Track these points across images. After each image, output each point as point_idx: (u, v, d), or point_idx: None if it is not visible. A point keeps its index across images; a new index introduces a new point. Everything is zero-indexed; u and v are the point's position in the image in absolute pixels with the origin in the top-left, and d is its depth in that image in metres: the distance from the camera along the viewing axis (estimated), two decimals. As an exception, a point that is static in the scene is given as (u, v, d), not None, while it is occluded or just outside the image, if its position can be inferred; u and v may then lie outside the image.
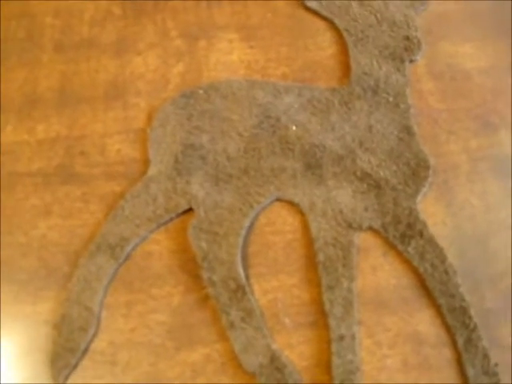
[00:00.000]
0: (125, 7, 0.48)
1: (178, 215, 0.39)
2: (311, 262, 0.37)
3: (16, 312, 0.36)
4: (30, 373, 0.34)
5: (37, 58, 0.45)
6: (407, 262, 0.37)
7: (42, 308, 0.36)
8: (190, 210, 0.39)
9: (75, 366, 0.34)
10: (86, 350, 0.35)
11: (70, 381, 0.34)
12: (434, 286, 0.36)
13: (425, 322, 0.36)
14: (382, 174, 0.39)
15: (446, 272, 0.36)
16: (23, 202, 0.40)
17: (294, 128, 0.41)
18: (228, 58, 0.45)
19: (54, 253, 0.38)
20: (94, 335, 0.35)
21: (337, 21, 0.46)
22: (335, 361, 0.34)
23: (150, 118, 0.42)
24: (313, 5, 0.47)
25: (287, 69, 0.44)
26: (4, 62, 0.45)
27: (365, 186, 0.39)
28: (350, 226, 0.38)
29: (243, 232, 0.38)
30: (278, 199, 0.39)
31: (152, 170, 0.40)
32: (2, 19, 0.47)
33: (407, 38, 0.44)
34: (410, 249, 0.37)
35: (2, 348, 0.35)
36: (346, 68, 0.44)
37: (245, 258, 0.37)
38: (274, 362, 0.34)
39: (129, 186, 0.39)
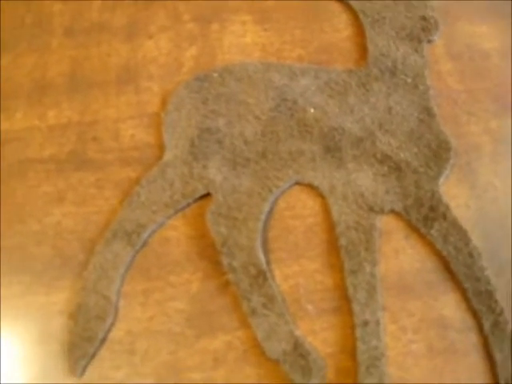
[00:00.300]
0: (135, -9, 0.47)
1: (196, 200, 0.38)
2: (333, 246, 0.36)
3: (28, 303, 0.35)
4: (44, 364, 0.34)
5: (46, 43, 0.44)
6: (430, 245, 0.36)
7: (57, 298, 0.35)
8: (207, 195, 0.38)
9: (93, 356, 0.34)
10: (103, 340, 0.34)
11: (86, 371, 0.33)
12: (459, 269, 0.35)
13: (450, 307, 0.35)
14: (402, 156, 0.38)
15: (471, 255, 0.35)
16: (35, 189, 0.39)
17: (311, 111, 0.40)
18: (242, 40, 0.44)
19: (68, 240, 0.37)
20: (112, 324, 0.34)
21: (352, 2, 0.45)
22: (360, 347, 0.33)
23: (163, 102, 0.41)
24: (328, -14, 0.46)
25: (303, 51, 0.43)
26: (13, 49, 0.44)
27: (385, 168, 0.38)
28: (371, 209, 0.37)
29: (263, 217, 0.37)
30: (298, 183, 0.38)
31: (167, 155, 0.39)
32: (10, 5, 0.46)
33: (424, 19, 0.43)
34: (433, 231, 0.36)
35: (14, 340, 0.34)
36: (362, 50, 0.43)
37: (265, 243, 0.36)
38: (298, 349, 0.33)
39: (144, 172, 0.39)
